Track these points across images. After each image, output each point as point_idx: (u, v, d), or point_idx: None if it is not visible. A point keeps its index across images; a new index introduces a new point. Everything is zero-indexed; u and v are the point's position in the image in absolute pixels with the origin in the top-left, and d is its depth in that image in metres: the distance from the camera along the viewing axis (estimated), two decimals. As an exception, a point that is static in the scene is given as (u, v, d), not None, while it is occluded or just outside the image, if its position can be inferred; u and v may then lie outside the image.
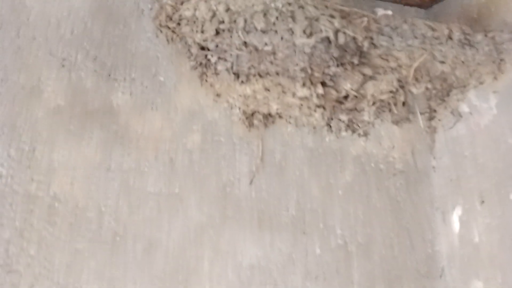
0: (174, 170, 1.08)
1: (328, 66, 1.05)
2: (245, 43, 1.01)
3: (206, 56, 1.08)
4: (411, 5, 1.44)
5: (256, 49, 1.02)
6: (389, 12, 1.14)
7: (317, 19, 0.98)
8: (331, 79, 1.09)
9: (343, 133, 1.24)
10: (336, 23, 0.98)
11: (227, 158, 1.14)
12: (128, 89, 1.07)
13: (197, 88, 1.13)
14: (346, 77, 1.10)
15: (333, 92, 1.11)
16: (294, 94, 1.06)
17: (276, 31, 0.98)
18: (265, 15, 0.96)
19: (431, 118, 1.35)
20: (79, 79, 1.03)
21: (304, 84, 1.05)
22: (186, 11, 1.04)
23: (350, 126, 1.22)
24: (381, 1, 1.40)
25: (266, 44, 1.00)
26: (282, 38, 0.99)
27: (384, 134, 1.33)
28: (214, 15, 1.00)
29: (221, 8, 0.99)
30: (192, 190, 1.09)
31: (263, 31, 0.98)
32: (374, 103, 1.19)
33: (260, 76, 1.05)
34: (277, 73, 1.04)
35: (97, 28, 1.06)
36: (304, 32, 0.97)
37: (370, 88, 1.15)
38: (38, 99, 0.98)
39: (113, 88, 1.06)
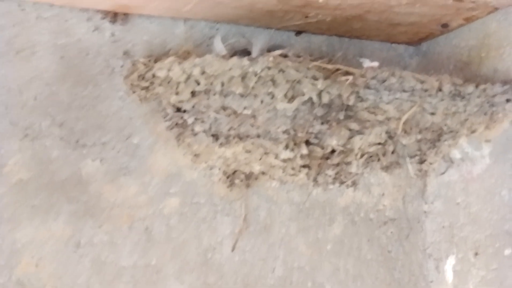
0: (150, 239, 1.00)
1: (312, 125, 0.99)
2: (223, 106, 0.94)
3: (182, 117, 1.01)
4: (399, 43, 1.38)
5: (235, 112, 0.95)
6: (376, 64, 1.07)
7: (299, 82, 0.91)
8: (315, 137, 1.03)
9: (331, 186, 1.18)
10: (320, 84, 0.92)
11: (208, 220, 1.07)
12: (98, 155, 0.99)
13: (174, 148, 1.05)
14: (332, 134, 1.03)
15: (318, 149, 1.04)
16: (277, 156, 1.00)
17: (255, 95, 0.91)
18: (243, 79, 0.89)
19: (421, 162, 1.29)
20: (44, 149, 0.95)
21: (287, 146, 0.98)
22: (159, 72, 0.96)
23: (338, 178, 1.16)
24: (369, 41, 1.34)
25: (245, 107, 0.93)
26: (262, 102, 0.92)
27: (374, 181, 1.27)
28: (189, 77, 0.93)
29: (196, 71, 0.91)
30: (171, 259, 1.02)
31: (242, 95, 0.91)
32: (362, 156, 1.13)
33: (240, 138, 0.97)
34: (258, 136, 0.97)
35: (64, 91, 0.98)
36: (285, 96, 0.90)
37: (358, 142, 1.08)
38: (-2, 174, 0.91)
39: (82, 155, 0.98)
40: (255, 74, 0.88)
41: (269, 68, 0.88)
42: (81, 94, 0.99)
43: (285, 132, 0.96)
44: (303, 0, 1.00)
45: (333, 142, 1.06)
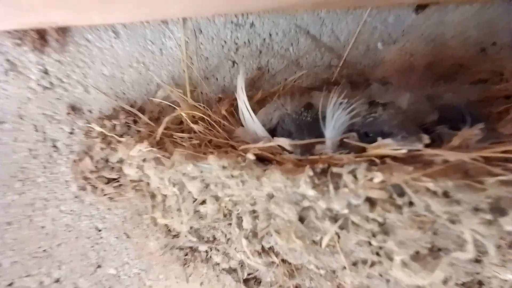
0: None
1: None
2: (258, 250, 0.44)
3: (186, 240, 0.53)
4: None
5: (286, 261, 0.44)
6: None
7: (452, 220, 0.36)
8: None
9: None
10: (509, 223, 0.36)
11: None
12: (50, 304, 0.58)
13: (181, 276, 0.60)
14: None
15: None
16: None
17: (334, 247, 0.39)
18: (303, 222, 0.37)
19: None
20: (-49, 310, 0.56)
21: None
22: (129, 169, 0.47)
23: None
24: None
25: (309, 262, 0.42)
26: (348, 257, 0.40)
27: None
28: (178, 196, 0.43)
29: (194, 187, 0.41)
30: None
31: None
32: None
33: (304, 295, 0.48)
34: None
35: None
36: (416, 258, 0.37)
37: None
38: None
39: (21, 310, 0.57)
40: (335, 218, 0.35)
41: (372, 203, 0.34)
42: (2, 200, 0.56)
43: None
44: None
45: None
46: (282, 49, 0.59)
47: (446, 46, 0.63)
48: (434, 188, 0.34)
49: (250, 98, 0.56)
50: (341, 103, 0.40)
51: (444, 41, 0.63)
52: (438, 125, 0.42)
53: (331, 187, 0.34)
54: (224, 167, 0.37)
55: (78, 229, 0.57)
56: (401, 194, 0.34)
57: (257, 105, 0.55)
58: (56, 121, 0.55)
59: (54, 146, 0.55)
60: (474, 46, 0.64)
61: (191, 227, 0.51)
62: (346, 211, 0.34)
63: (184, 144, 0.43)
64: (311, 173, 0.34)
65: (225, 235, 0.47)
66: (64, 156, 0.55)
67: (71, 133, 0.55)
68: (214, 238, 0.49)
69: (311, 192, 0.34)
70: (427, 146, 0.38)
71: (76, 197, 0.56)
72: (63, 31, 0.54)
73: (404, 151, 0.34)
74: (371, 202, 0.34)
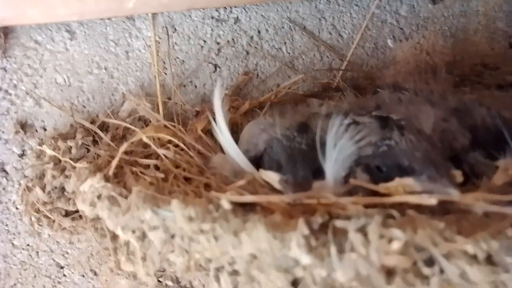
0: None
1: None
2: None
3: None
4: None
5: None
6: None
7: None
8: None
9: None
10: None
11: None
12: None
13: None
14: None
15: None
16: None
17: None
18: (295, 285, 0.28)
19: None
20: None
21: None
22: (82, 205, 0.38)
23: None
24: None
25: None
26: None
27: None
28: (142, 238, 0.35)
29: (157, 238, 0.32)
30: None
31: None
32: None
33: None
34: None
35: None
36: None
37: None
38: None
39: None
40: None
41: (390, 273, 0.24)
42: None
43: None
44: None
45: None
46: (273, 49, 0.49)
47: (468, 42, 0.53)
48: (473, 251, 0.25)
49: (235, 109, 0.47)
50: (347, 126, 0.31)
51: (467, 36, 0.53)
52: (471, 151, 0.33)
53: (333, 251, 0.25)
54: (190, 218, 0.28)
55: (36, 267, 0.49)
56: (429, 260, 0.25)
57: (244, 118, 0.46)
58: (3, 141, 0.46)
59: (3, 171, 0.46)
60: (502, 41, 0.54)
61: (162, 273, 0.43)
62: (353, 283, 0.25)
63: (146, 176, 0.34)
64: (306, 231, 0.25)
65: (203, 285, 0.38)
66: (15, 182, 0.46)
67: (21, 155, 0.46)
68: (192, 286, 0.40)
69: (305, 259, 0.25)
70: (460, 185, 0.29)
71: (29, 229, 0.48)
72: (5, 31, 0.44)
73: (434, 201, 0.25)
74: (388, 272, 0.25)
